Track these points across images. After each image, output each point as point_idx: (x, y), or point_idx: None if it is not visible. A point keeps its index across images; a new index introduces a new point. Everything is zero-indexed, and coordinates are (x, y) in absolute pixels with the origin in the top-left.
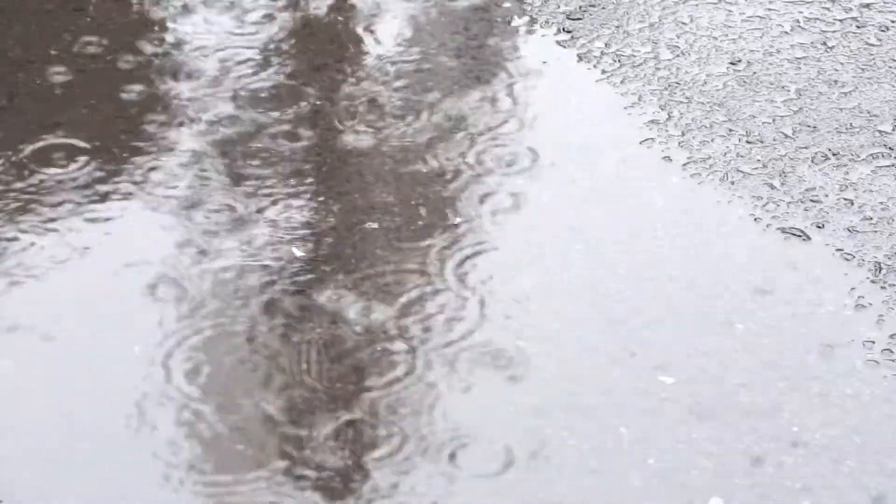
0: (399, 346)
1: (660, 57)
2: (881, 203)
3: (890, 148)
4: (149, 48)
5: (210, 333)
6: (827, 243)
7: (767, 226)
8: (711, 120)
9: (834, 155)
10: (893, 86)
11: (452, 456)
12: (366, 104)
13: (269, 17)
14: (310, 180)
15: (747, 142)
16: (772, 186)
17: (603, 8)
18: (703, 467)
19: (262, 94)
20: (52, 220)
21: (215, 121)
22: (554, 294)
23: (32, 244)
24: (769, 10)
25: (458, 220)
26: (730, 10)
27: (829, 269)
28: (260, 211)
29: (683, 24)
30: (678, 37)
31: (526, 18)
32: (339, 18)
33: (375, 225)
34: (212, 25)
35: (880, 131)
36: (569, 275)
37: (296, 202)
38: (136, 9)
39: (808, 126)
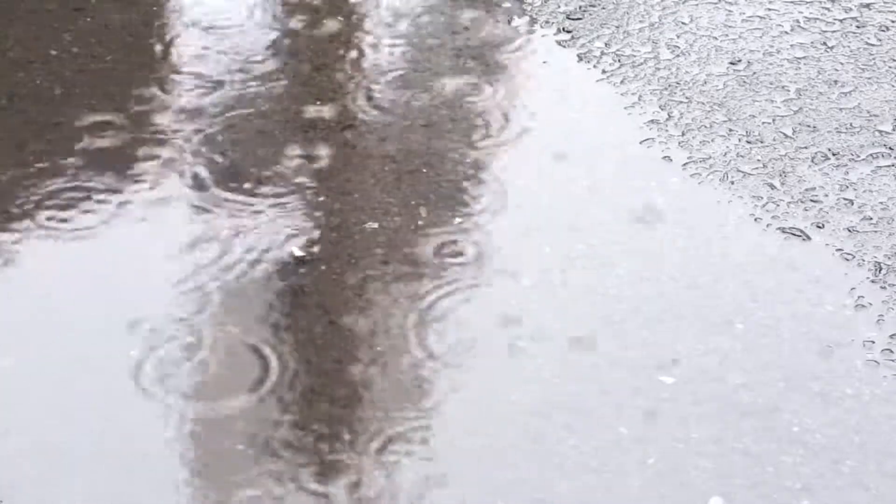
0: (396, 341)
1: (660, 57)
2: (881, 203)
3: (890, 148)
4: (147, 49)
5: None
6: (827, 243)
7: (767, 226)
8: (711, 120)
9: (834, 155)
10: (893, 86)
11: (451, 456)
12: (365, 104)
13: (271, 17)
14: (310, 180)
15: (747, 142)
16: (772, 186)
17: (603, 8)
18: (703, 467)
19: (263, 95)
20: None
21: (215, 122)
22: (554, 294)
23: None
24: (769, 10)
25: (458, 220)
26: (730, 10)
27: (829, 269)
28: (260, 211)
29: (683, 24)
30: (678, 37)
31: (526, 18)
32: (339, 18)
33: (375, 225)
34: (212, 25)
35: (880, 131)
36: (569, 275)
37: (296, 202)
38: (135, 8)
39: (808, 126)
